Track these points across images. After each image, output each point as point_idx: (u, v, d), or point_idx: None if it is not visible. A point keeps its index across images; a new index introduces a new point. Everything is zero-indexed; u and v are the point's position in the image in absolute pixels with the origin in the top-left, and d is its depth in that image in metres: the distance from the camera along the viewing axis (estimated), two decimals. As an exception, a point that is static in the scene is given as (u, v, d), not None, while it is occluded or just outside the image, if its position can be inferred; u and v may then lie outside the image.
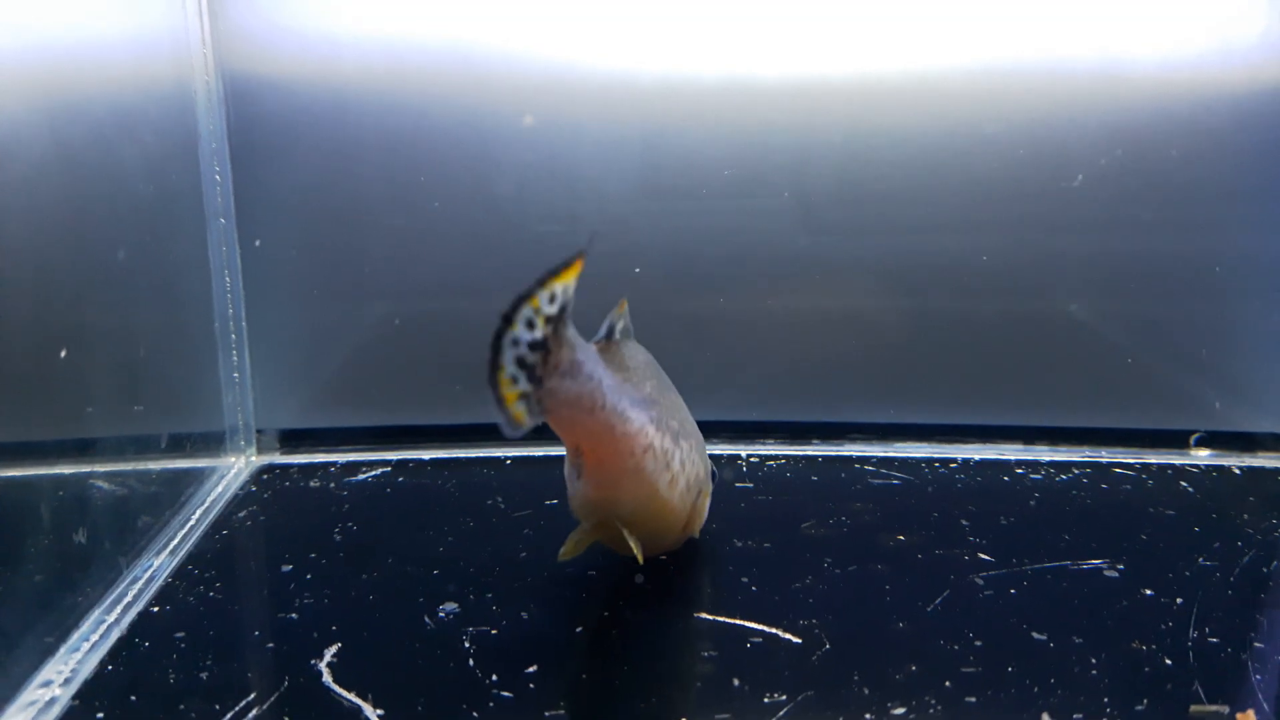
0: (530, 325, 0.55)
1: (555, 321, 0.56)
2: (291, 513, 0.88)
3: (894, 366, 1.00)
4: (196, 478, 0.91)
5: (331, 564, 0.78)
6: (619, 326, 0.68)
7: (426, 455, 0.99)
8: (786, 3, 0.92)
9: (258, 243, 0.96)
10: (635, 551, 0.66)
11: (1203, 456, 0.97)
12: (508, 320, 0.55)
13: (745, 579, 0.75)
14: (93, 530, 0.72)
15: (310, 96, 0.93)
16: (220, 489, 0.92)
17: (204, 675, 0.63)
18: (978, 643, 0.66)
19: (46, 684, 0.63)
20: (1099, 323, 0.97)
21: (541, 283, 0.55)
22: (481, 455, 0.99)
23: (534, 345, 0.56)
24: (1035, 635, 0.67)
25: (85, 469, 0.73)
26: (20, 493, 0.67)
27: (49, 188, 0.70)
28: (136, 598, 0.73)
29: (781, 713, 0.59)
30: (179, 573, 0.77)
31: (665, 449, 0.65)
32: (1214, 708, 0.59)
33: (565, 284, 0.55)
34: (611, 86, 0.94)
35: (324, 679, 0.63)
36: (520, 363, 0.56)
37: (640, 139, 0.96)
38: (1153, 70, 0.91)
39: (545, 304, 0.55)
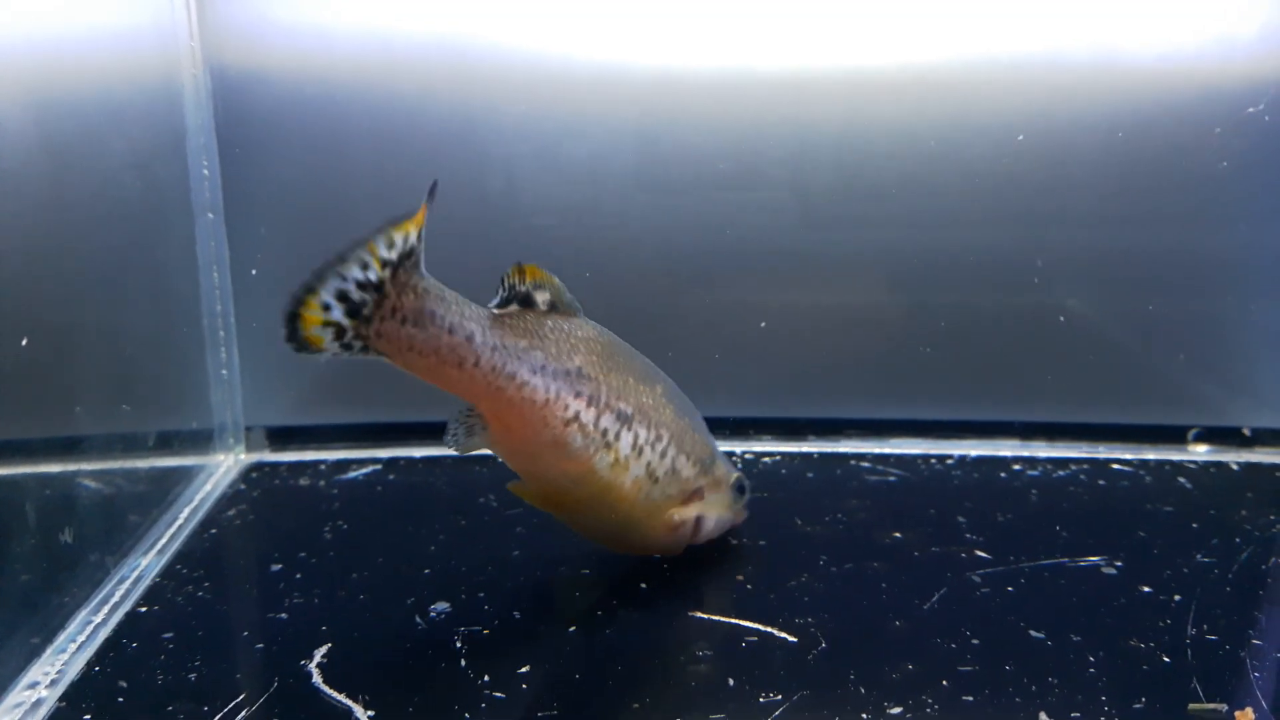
0: (364, 266, 0.57)
1: (394, 266, 0.58)
2: (281, 511, 0.88)
3: (890, 362, 0.99)
4: (184, 476, 0.90)
5: (321, 563, 0.77)
6: (541, 297, 0.67)
7: (417, 453, 0.98)
8: (781, -5, 0.92)
9: (254, 271, 0.96)
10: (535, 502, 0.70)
11: (1201, 452, 0.97)
12: (340, 257, 0.57)
13: (740, 577, 0.74)
14: (79, 530, 0.71)
15: (299, 90, 0.92)
16: (209, 487, 0.91)
17: (192, 676, 0.63)
18: (975, 641, 0.65)
19: (33, 685, 0.63)
20: (1096, 318, 0.97)
21: (380, 230, 0.57)
22: (473, 453, 0.98)
23: (363, 285, 0.58)
24: (1033, 633, 0.66)
25: (72, 468, 0.72)
26: (6, 492, 0.67)
27: (34, 182, 0.69)
28: (124, 598, 0.72)
29: (777, 713, 0.59)
30: (167, 572, 0.76)
31: (605, 428, 0.66)
32: (1213, 706, 0.59)
33: (405, 233, 0.58)
34: (606, 79, 0.93)
35: (314, 680, 0.62)
36: (342, 296, 0.57)
37: (635, 132, 0.95)
38: (1152, 64, 0.91)
39: (383, 249, 0.57)
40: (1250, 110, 0.90)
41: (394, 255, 0.58)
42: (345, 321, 0.58)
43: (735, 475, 0.76)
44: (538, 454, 0.66)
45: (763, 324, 0.98)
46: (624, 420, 0.67)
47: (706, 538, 0.74)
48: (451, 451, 0.66)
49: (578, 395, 0.65)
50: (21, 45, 0.68)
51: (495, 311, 0.64)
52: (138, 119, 0.84)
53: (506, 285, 0.67)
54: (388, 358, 0.60)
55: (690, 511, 0.72)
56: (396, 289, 0.58)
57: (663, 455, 0.69)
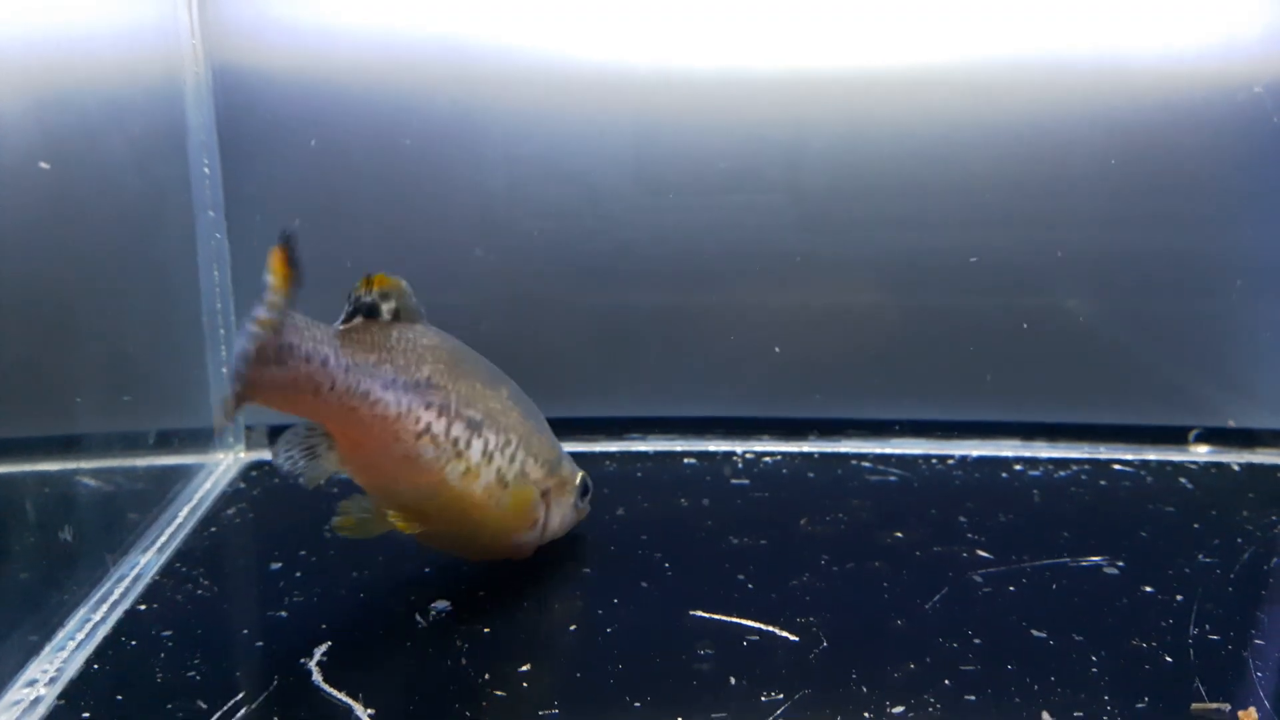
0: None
1: (260, 321, 0.55)
2: (281, 509, 0.87)
3: (891, 362, 0.99)
4: (184, 474, 0.90)
5: (321, 561, 0.77)
6: (386, 306, 0.66)
7: (418, 452, 0.98)
8: (782, -5, 0.91)
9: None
10: (400, 523, 0.66)
11: (1202, 453, 0.97)
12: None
13: (741, 576, 0.74)
14: (79, 527, 0.71)
15: (301, 88, 0.92)
16: (209, 485, 0.91)
17: (192, 674, 0.62)
18: (977, 641, 0.65)
19: (31, 683, 0.62)
20: (1097, 318, 0.97)
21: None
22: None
23: (245, 355, 0.55)
24: (1035, 633, 0.66)
25: (71, 465, 0.72)
26: (5, 489, 0.67)
27: (35, 180, 0.69)
28: (123, 596, 0.72)
29: (779, 711, 0.58)
30: (166, 570, 0.76)
31: (456, 437, 0.65)
32: (1215, 706, 0.59)
33: (270, 289, 0.54)
34: (605, 79, 0.93)
35: (314, 678, 0.62)
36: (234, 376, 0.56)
37: (634, 133, 0.95)
38: (1154, 64, 0.91)
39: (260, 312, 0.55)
40: (1256, 90, 0.89)
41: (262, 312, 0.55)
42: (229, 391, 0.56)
43: (580, 475, 0.76)
44: (389, 469, 0.64)
45: (762, 323, 0.98)
46: (474, 427, 0.66)
47: (551, 538, 0.75)
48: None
49: (428, 406, 0.64)
50: (22, 43, 0.68)
51: (342, 328, 0.63)
52: (139, 117, 0.84)
53: (353, 299, 0.65)
54: (254, 402, 0.58)
55: (539, 514, 0.72)
56: (255, 337, 0.55)
57: (512, 459, 0.69)
